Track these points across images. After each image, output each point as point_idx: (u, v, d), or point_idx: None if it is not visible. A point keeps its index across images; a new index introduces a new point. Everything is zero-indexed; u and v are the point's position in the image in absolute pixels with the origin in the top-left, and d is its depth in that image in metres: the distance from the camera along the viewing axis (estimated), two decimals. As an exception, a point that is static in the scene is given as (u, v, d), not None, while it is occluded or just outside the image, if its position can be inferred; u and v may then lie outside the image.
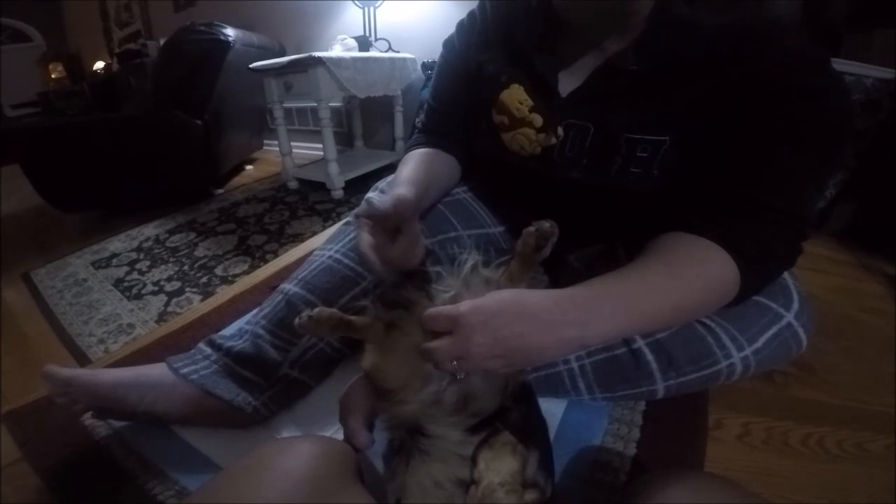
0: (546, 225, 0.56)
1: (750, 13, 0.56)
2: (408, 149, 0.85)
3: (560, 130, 0.68)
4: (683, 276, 0.52)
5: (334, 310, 0.60)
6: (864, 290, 1.20)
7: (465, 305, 0.48)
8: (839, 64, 1.39)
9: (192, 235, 1.73)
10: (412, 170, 0.74)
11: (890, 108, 1.39)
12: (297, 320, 0.59)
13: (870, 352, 0.95)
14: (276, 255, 1.50)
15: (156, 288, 1.36)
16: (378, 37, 2.37)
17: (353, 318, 0.60)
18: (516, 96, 0.71)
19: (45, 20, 5.43)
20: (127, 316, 1.22)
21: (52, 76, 5.29)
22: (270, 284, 1.18)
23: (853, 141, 1.44)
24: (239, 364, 0.71)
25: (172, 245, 1.66)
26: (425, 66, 2.30)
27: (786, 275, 0.65)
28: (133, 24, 4.58)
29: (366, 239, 0.59)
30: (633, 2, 0.57)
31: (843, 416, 0.78)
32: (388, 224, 0.59)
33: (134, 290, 1.36)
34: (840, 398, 0.82)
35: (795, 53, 0.53)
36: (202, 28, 1.96)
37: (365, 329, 0.60)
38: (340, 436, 0.58)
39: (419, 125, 0.90)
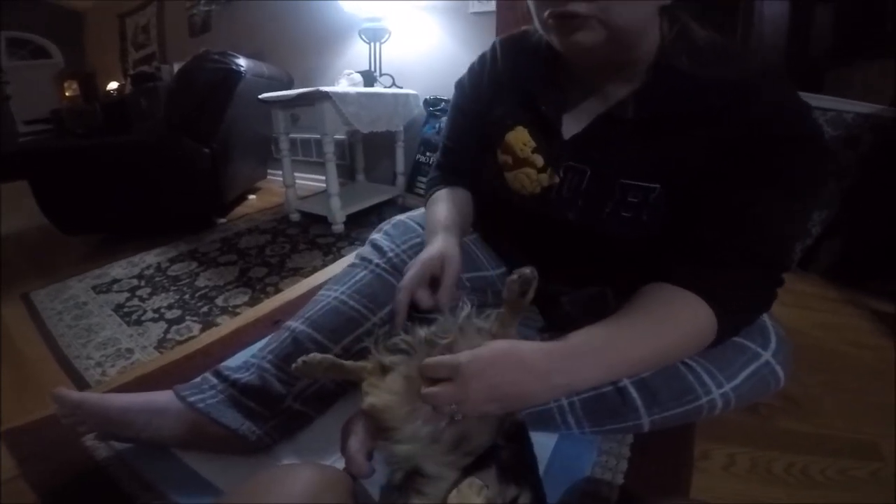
0: (527, 271, 0.60)
1: (741, 65, 0.61)
2: (428, 187, 0.92)
3: (560, 172, 0.72)
4: (663, 328, 0.58)
5: (326, 355, 0.66)
6: (849, 324, 1.24)
7: (464, 356, 0.53)
8: (820, 100, 1.43)
9: (194, 265, 1.77)
10: (446, 213, 0.80)
11: (870, 143, 1.40)
12: (293, 366, 0.64)
13: (853, 383, 0.98)
14: (276, 287, 1.53)
15: (156, 315, 1.38)
16: (383, 72, 2.44)
17: (344, 362, 0.65)
18: (520, 138, 0.76)
19: (67, 37, 5.54)
20: (126, 341, 1.24)
21: (67, 94, 5.32)
22: (272, 319, 1.22)
23: (836, 179, 1.46)
24: (245, 395, 0.74)
25: (174, 274, 1.69)
26: (427, 103, 2.38)
27: (764, 316, 0.68)
28: (149, 46, 4.67)
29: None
30: (632, 51, 0.63)
31: (827, 446, 0.81)
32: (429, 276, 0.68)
33: (134, 316, 1.38)
34: (824, 428, 0.86)
35: (778, 106, 0.58)
36: (216, 57, 2.02)
37: (356, 372, 0.65)
38: (340, 465, 0.61)
39: (435, 162, 0.95)
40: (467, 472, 0.52)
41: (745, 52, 0.64)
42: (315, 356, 0.64)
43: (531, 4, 0.64)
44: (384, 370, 0.63)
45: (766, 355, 0.67)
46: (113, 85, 5.12)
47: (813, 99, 1.43)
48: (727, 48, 0.63)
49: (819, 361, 1.04)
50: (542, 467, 0.69)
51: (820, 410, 0.90)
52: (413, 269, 0.68)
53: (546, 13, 0.60)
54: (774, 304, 0.63)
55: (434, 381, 0.53)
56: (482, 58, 0.86)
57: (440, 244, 0.72)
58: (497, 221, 0.88)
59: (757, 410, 0.88)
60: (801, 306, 1.31)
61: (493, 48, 0.84)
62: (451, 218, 0.79)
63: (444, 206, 0.83)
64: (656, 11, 0.61)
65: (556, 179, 0.73)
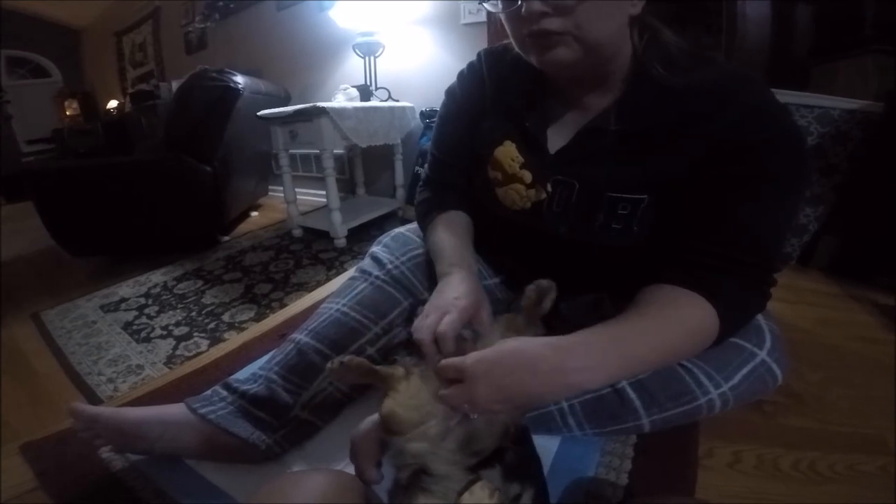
0: (544, 283, 0.62)
1: (715, 70, 0.62)
2: (422, 209, 0.89)
3: (549, 186, 0.73)
4: (670, 325, 0.58)
5: (363, 359, 0.67)
6: (852, 319, 1.24)
7: (470, 357, 0.54)
8: (806, 98, 1.45)
9: (200, 283, 1.79)
10: (453, 245, 0.79)
11: (859, 138, 1.41)
12: (328, 365, 0.64)
13: (858, 378, 0.98)
14: (281, 303, 1.55)
15: (164, 332, 1.41)
16: (378, 86, 2.45)
17: (377, 367, 0.67)
18: (508, 153, 0.77)
19: (65, 56, 5.57)
20: (136, 357, 1.27)
21: (67, 113, 5.38)
22: (278, 333, 1.24)
23: (827, 176, 1.48)
24: (254, 405, 0.77)
25: (180, 292, 1.72)
26: (423, 115, 2.39)
27: (759, 316, 0.69)
28: (147, 64, 4.68)
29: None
30: (609, 63, 0.65)
31: (835, 441, 0.81)
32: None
33: (142, 334, 1.41)
34: (830, 424, 0.85)
35: (755, 109, 0.58)
36: (213, 74, 2.02)
37: (388, 378, 0.67)
38: (349, 471, 0.63)
39: (424, 176, 0.93)
40: (473, 471, 0.53)
41: (718, 56, 0.65)
42: (353, 359, 0.65)
43: (507, 25, 0.66)
44: (408, 374, 0.66)
45: (762, 354, 0.68)
46: (112, 103, 5.16)
47: (799, 97, 1.47)
48: (699, 53, 0.64)
49: (822, 357, 1.05)
50: (546, 468, 0.70)
51: (825, 406, 0.90)
52: (452, 316, 0.64)
53: (523, 33, 0.62)
54: (776, 301, 0.64)
55: (451, 382, 0.55)
56: (470, 66, 0.87)
57: (465, 287, 0.69)
58: (492, 233, 0.90)
59: (761, 408, 0.88)
60: (802, 302, 1.31)
61: (479, 58, 0.85)
62: (460, 251, 0.78)
63: (448, 238, 0.80)
64: (628, 22, 0.63)
65: (545, 195, 0.74)
